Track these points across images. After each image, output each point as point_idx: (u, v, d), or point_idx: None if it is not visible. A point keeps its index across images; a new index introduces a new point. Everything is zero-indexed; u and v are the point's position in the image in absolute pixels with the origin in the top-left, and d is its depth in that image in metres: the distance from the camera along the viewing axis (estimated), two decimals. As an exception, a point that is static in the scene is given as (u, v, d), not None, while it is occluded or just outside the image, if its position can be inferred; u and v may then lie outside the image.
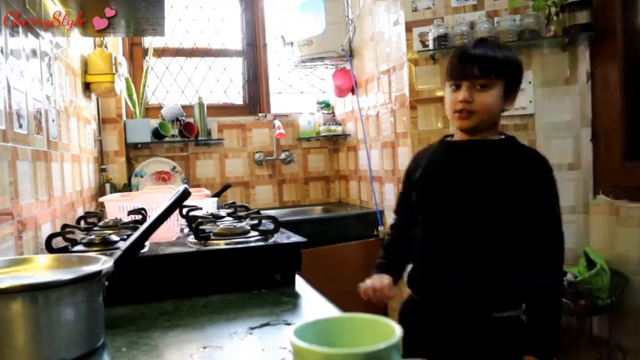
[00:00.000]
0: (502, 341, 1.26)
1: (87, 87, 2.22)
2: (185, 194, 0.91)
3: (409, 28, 2.34)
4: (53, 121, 1.59)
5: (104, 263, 0.73)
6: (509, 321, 1.27)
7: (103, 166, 2.56)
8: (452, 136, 1.43)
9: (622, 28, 1.96)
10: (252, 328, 0.79)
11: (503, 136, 1.36)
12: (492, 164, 1.31)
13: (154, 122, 2.81)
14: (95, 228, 1.25)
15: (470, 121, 1.29)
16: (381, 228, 2.57)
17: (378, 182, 2.68)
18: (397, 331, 0.46)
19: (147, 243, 0.96)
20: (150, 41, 2.96)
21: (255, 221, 1.21)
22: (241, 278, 1.02)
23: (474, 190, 1.29)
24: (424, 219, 1.38)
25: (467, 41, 1.33)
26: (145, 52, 2.98)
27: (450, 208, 1.32)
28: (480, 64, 1.26)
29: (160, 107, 2.98)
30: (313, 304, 0.95)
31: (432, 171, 1.38)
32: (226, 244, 1.06)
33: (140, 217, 1.30)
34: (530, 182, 1.29)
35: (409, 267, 1.45)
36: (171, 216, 0.92)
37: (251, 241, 1.07)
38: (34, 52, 1.42)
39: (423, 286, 1.37)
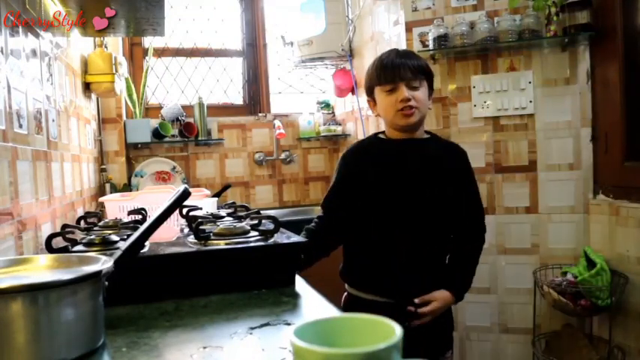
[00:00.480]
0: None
1: (87, 87, 2.22)
2: (185, 194, 0.91)
3: (409, 28, 2.34)
4: (53, 121, 1.59)
5: (104, 263, 0.73)
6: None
7: (103, 166, 2.56)
8: (383, 133, 1.56)
9: (622, 28, 1.96)
10: (252, 328, 0.79)
11: (429, 135, 1.54)
12: (431, 163, 1.48)
13: (154, 122, 2.81)
14: (95, 228, 1.24)
15: (414, 117, 1.43)
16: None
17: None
18: (397, 331, 0.46)
19: (147, 243, 0.96)
20: (150, 41, 2.96)
21: (255, 221, 1.21)
22: (241, 278, 1.02)
23: (420, 189, 1.45)
24: (372, 219, 1.47)
25: (382, 53, 1.54)
26: (145, 52, 2.98)
27: (399, 207, 1.45)
28: (410, 67, 1.43)
29: (160, 107, 2.98)
30: (313, 304, 0.95)
31: (382, 172, 1.47)
32: (226, 244, 1.06)
33: (140, 217, 1.30)
34: (464, 178, 1.51)
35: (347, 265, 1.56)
36: (171, 216, 0.92)
37: (251, 241, 1.07)
38: (34, 52, 1.42)
39: (372, 284, 1.47)
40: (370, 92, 1.53)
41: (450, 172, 1.48)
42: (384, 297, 1.44)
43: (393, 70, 1.43)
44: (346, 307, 1.52)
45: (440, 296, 1.44)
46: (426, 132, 1.55)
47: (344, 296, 1.56)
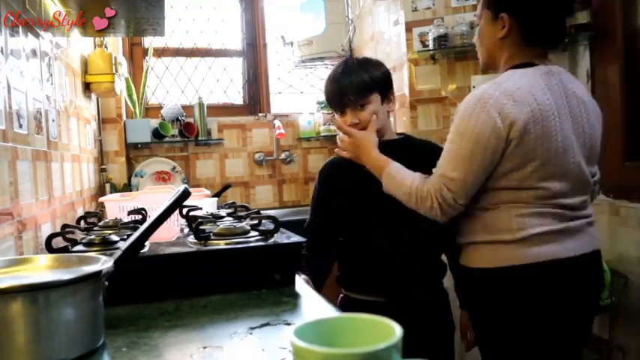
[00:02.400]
0: (438, 313, 1.48)
1: (87, 87, 2.22)
2: (185, 194, 0.91)
3: (409, 28, 2.35)
4: (53, 121, 1.59)
5: (104, 263, 0.73)
6: (442, 294, 1.50)
7: (103, 166, 2.56)
8: None
9: (622, 28, 1.96)
10: (252, 328, 0.79)
11: (402, 135, 1.54)
12: (408, 161, 1.41)
13: (154, 122, 2.81)
14: (95, 228, 1.25)
15: None
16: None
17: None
18: (397, 331, 0.46)
19: (147, 243, 0.96)
20: (150, 41, 2.96)
21: (255, 221, 1.21)
22: (241, 278, 1.02)
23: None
24: (358, 224, 1.47)
25: (337, 63, 1.53)
26: (145, 52, 2.98)
27: (381, 209, 1.43)
28: (353, 90, 1.42)
29: (160, 107, 2.98)
30: (313, 304, 0.95)
31: (360, 177, 1.45)
32: (226, 244, 1.06)
33: (140, 217, 1.30)
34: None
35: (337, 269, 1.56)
36: (171, 216, 0.92)
37: (251, 241, 1.07)
38: (34, 52, 1.42)
39: (364, 285, 1.46)
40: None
41: (429, 169, 1.46)
42: (377, 297, 1.45)
43: (337, 98, 1.46)
44: (342, 309, 1.53)
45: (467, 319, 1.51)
46: (398, 133, 1.57)
47: (339, 298, 1.57)
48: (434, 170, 1.30)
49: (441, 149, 1.33)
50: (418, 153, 1.48)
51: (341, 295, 1.57)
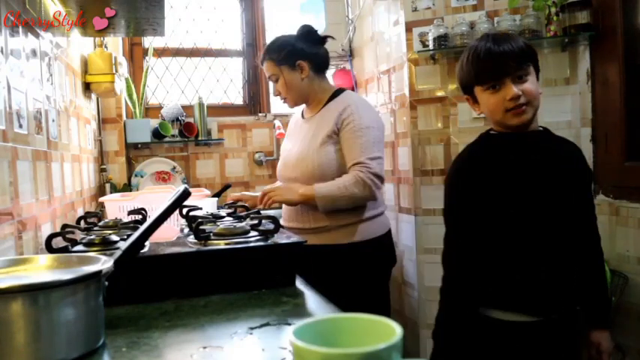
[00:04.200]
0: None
1: (87, 87, 2.22)
2: (185, 194, 0.91)
3: (409, 28, 2.34)
4: (53, 121, 1.59)
5: (104, 263, 0.73)
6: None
7: (103, 166, 2.57)
8: (492, 130, 1.34)
9: (622, 28, 1.96)
10: (252, 328, 0.79)
11: (541, 128, 1.34)
12: (560, 160, 1.29)
13: (154, 122, 2.81)
14: (95, 228, 1.25)
15: (527, 114, 1.24)
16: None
17: (378, 182, 2.68)
18: (397, 331, 0.46)
19: (147, 243, 0.96)
20: (150, 41, 2.96)
21: (255, 221, 1.21)
22: (241, 278, 1.02)
23: (556, 189, 1.26)
24: (516, 227, 1.26)
25: (472, 42, 1.32)
26: (145, 52, 2.98)
27: (541, 211, 1.26)
28: (513, 56, 1.22)
29: (160, 107, 2.98)
30: (313, 304, 0.95)
31: (516, 172, 1.27)
32: (226, 244, 1.06)
33: (140, 217, 1.30)
34: (587, 180, 1.37)
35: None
36: (172, 216, 0.92)
37: (251, 241, 1.07)
38: (34, 52, 1.42)
39: (518, 300, 1.25)
40: (468, 90, 1.33)
41: (578, 173, 1.32)
42: (530, 315, 1.24)
43: (494, 64, 1.23)
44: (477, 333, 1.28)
45: (601, 339, 1.33)
46: (540, 126, 1.35)
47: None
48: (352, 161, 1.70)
49: (580, 150, 1.36)
50: (566, 151, 1.33)
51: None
